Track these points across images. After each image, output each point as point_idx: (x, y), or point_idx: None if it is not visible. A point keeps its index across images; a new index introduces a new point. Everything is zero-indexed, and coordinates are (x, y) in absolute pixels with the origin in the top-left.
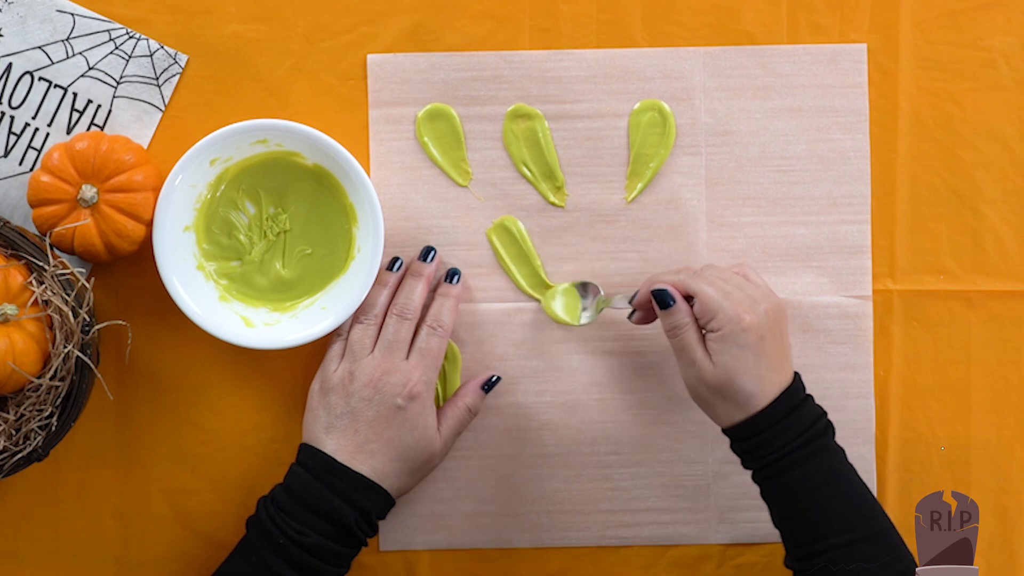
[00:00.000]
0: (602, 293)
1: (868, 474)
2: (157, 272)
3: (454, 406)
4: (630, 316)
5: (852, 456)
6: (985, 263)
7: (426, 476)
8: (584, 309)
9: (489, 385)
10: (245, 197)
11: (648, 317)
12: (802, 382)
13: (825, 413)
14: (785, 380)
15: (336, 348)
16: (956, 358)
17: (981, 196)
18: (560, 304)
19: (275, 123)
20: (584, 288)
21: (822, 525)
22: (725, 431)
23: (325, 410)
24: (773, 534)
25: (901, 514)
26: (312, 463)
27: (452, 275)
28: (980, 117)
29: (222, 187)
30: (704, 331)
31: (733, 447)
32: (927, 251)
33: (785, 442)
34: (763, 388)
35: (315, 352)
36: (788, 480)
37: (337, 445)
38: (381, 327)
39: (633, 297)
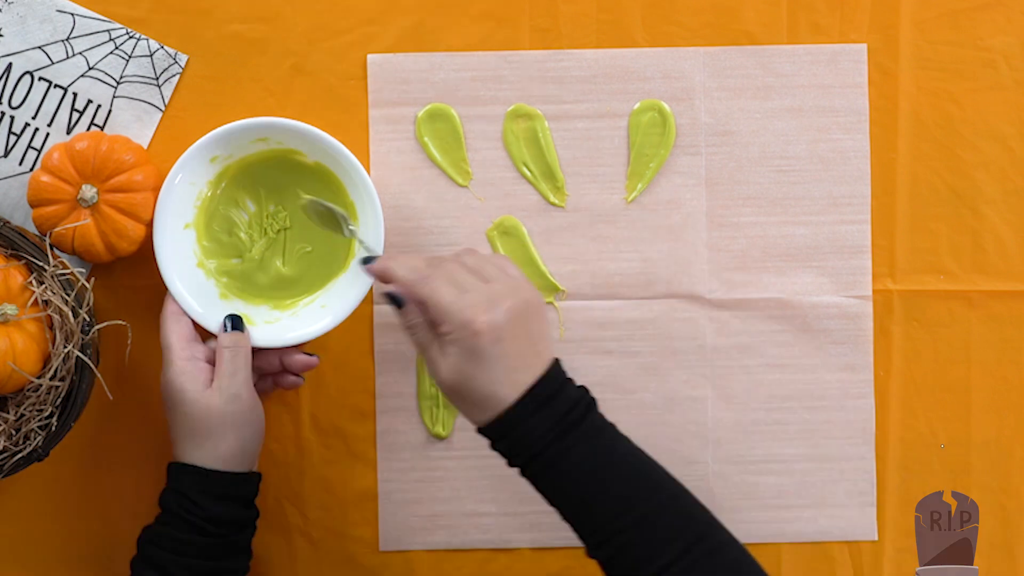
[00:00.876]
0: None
1: (868, 474)
2: (157, 270)
3: (216, 358)
4: (367, 261)
5: (852, 456)
6: (985, 263)
7: (244, 435)
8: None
9: (232, 325)
10: (245, 195)
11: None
12: (560, 368)
13: (586, 393)
14: (533, 375)
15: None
16: (956, 358)
17: (981, 196)
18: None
19: (275, 121)
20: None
21: (601, 512)
22: (478, 431)
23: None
24: (773, 534)
25: (901, 514)
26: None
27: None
28: (980, 117)
29: (222, 185)
30: (439, 332)
31: (492, 446)
32: (927, 251)
33: (538, 437)
34: (502, 390)
35: (313, 352)
36: (555, 474)
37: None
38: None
39: (366, 261)
